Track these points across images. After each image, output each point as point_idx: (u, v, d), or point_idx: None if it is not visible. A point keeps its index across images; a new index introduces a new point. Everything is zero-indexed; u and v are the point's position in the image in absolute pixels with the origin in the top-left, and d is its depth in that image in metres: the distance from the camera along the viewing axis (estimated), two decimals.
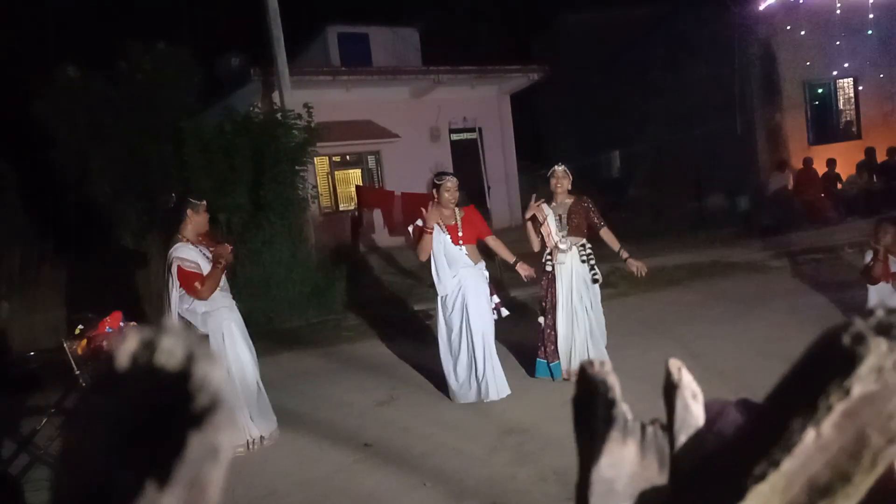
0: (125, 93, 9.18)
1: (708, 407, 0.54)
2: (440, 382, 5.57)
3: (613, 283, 8.62)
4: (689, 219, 12.84)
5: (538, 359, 5.46)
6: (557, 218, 5.33)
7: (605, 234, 5.42)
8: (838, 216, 11.83)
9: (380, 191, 12.69)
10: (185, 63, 9.66)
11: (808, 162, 13.42)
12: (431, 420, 4.79)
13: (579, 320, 5.27)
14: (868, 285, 5.84)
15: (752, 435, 0.46)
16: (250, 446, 4.44)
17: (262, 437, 4.49)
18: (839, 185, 13.23)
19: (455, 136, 14.32)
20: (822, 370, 0.42)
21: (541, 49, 18.74)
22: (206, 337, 4.28)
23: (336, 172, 13.53)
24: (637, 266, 5.41)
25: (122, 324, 3.31)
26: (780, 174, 13.42)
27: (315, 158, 10.50)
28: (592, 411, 0.51)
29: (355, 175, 13.72)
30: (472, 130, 13.77)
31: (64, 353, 3.23)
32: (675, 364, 0.53)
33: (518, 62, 15.00)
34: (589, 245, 5.37)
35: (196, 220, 4.37)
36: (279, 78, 10.15)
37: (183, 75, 9.53)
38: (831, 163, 13.31)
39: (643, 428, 0.52)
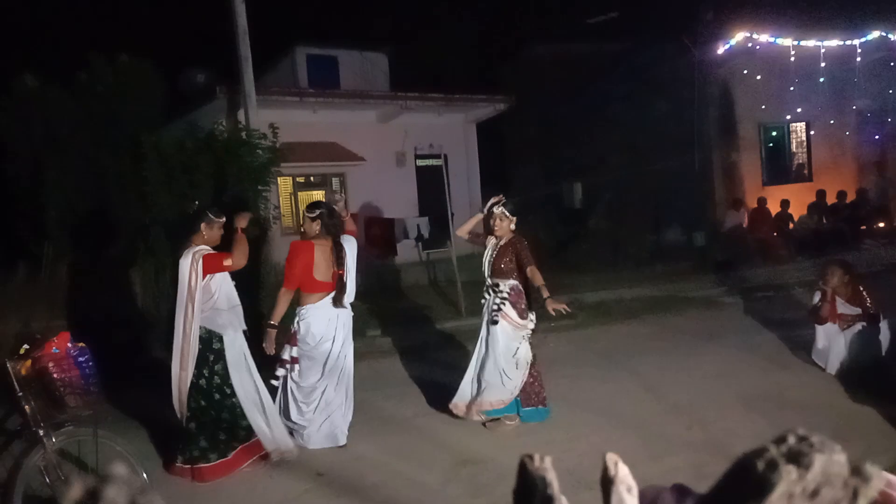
0: (84, 104, 9.00)
1: (643, 494, 0.55)
2: (395, 410, 5.53)
3: (571, 314, 8.71)
4: (647, 252, 13.09)
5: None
6: (490, 256, 5.10)
7: (531, 272, 4.93)
8: (789, 255, 12.20)
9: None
10: (148, 77, 9.54)
11: (761, 201, 13.85)
12: (386, 448, 4.74)
13: (480, 358, 5.03)
14: (815, 325, 6.03)
15: None
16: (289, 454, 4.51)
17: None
18: (791, 225, 13.66)
19: (420, 162, 14.38)
20: (739, 494, 0.45)
21: (507, 79, 19.03)
22: (221, 340, 4.33)
23: (299, 193, 13.42)
24: (556, 307, 4.81)
25: (69, 345, 3.21)
26: (735, 212, 13.81)
27: (279, 178, 10.42)
28: None
29: (319, 197, 13.63)
30: (437, 157, 13.81)
31: (7, 373, 3.11)
32: (611, 458, 0.55)
33: (485, 91, 15.19)
34: (510, 289, 4.97)
35: (209, 235, 4.36)
36: (245, 97, 10.08)
37: (145, 89, 9.40)
38: (785, 203, 13.75)
39: None
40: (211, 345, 4.30)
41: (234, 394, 4.36)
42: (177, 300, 4.29)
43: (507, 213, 5.06)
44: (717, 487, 0.48)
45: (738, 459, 0.48)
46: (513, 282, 4.99)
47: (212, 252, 4.30)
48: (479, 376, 4.98)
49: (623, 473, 0.54)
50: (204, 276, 4.24)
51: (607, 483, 0.54)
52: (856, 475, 0.46)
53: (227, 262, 4.26)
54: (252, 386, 4.45)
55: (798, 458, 0.44)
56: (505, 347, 4.88)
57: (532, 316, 5.04)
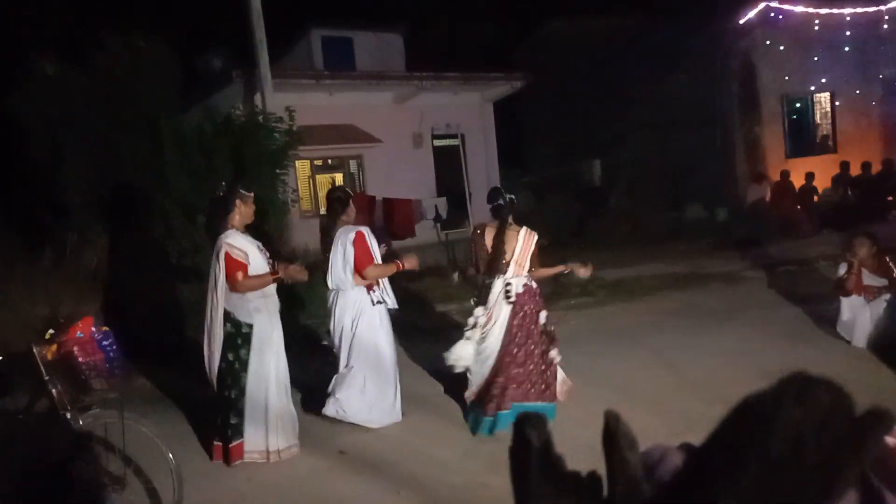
0: (101, 87, 9.06)
1: (649, 454, 0.55)
2: (415, 389, 5.57)
3: (591, 292, 8.68)
4: (668, 229, 12.97)
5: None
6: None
7: None
8: (813, 229, 12.01)
9: (361, 195, 12.67)
10: (165, 60, 9.56)
11: (784, 174, 13.62)
12: (407, 426, 4.79)
13: None
14: (841, 297, 5.95)
15: (681, 489, 0.47)
16: (269, 457, 4.34)
17: (279, 451, 4.38)
18: (815, 198, 13.43)
19: (438, 142, 14.34)
20: (744, 432, 0.44)
21: (524, 57, 18.84)
22: (251, 327, 4.28)
23: (317, 176, 13.47)
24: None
25: (93, 329, 3.26)
26: (758, 186, 13.61)
27: (296, 161, 10.45)
28: (527, 464, 0.51)
29: (337, 179, 13.68)
30: (454, 137, 13.78)
31: (33, 358, 3.18)
32: (612, 414, 0.54)
33: (501, 70, 15.06)
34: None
35: (244, 211, 4.39)
36: (261, 80, 10.10)
37: (161, 72, 9.42)
38: (809, 176, 13.52)
39: (579, 479, 0.52)
40: (241, 329, 4.30)
41: (243, 388, 4.31)
42: (208, 284, 4.35)
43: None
44: (721, 428, 0.48)
45: (741, 400, 0.47)
46: None
47: (236, 254, 4.22)
48: None
49: (624, 429, 0.54)
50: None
51: (609, 440, 0.54)
52: (866, 415, 0.46)
53: (238, 276, 4.19)
54: (265, 382, 4.36)
55: (803, 398, 0.43)
56: None
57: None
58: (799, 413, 0.42)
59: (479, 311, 4.68)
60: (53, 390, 3.22)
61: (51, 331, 3.30)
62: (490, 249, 4.71)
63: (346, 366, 4.81)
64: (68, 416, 3.26)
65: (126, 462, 3.66)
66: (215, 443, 4.41)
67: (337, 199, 4.95)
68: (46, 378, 3.21)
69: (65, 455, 3.37)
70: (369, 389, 4.78)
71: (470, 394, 4.76)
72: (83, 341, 3.22)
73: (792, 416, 0.42)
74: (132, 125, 8.72)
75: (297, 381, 5.60)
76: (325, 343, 5.25)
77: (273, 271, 4.37)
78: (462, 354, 4.71)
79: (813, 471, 0.42)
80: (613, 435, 0.53)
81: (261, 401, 4.32)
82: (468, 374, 4.75)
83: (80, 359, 3.21)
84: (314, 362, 6.15)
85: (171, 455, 3.49)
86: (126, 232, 8.62)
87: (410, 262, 4.90)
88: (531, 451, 0.52)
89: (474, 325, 4.67)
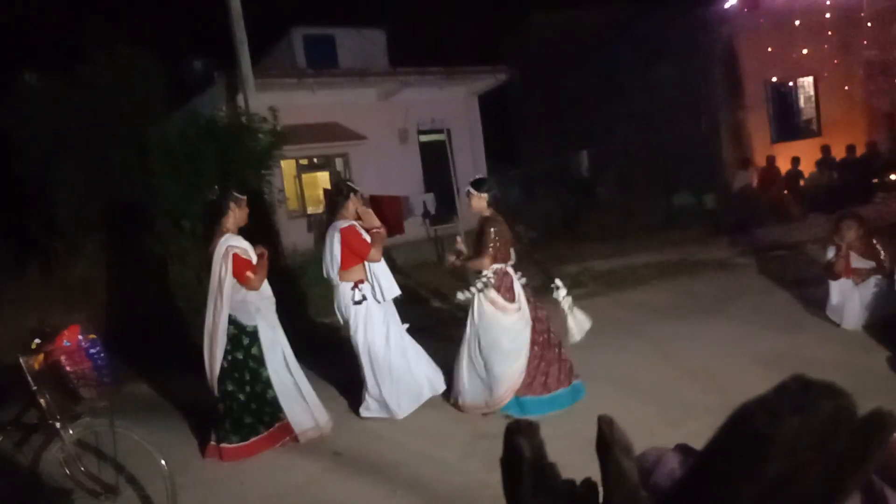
0: (87, 99, 8.97)
1: (645, 456, 0.52)
2: None
3: (583, 283, 8.68)
4: (658, 218, 12.98)
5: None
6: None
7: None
8: (801, 213, 12.07)
9: None
10: (148, 67, 9.46)
11: (770, 160, 13.68)
12: (404, 427, 4.75)
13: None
14: (830, 281, 5.96)
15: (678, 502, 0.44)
16: (322, 431, 4.62)
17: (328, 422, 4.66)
18: (802, 182, 13.50)
19: (424, 138, 14.28)
20: (739, 448, 0.41)
21: (510, 50, 18.80)
22: (255, 328, 4.44)
23: (303, 175, 13.39)
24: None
25: (80, 337, 3.21)
26: (744, 172, 13.66)
27: (282, 161, 10.37)
28: (519, 474, 0.49)
29: (323, 178, 13.60)
30: (440, 132, 13.73)
31: (20, 369, 3.13)
32: (606, 420, 0.51)
33: (487, 63, 15.02)
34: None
35: (238, 214, 4.51)
36: (243, 81, 10.00)
37: (145, 80, 9.33)
38: (795, 160, 13.58)
39: (573, 488, 0.50)
40: (245, 329, 4.42)
41: (267, 379, 4.45)
42: (209, 287, 4.42)
43: (472, 190, 4.79)
44: (715, 442, 0.44)
45: (737, 411, 0.44)
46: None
47: (243, 255, 4.36)
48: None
49: (619, 436, 0.51)
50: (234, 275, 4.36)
51: (603, 446, 0.50)
52: (867, 422, 0.42)
53: (249, 275, 4.35)
54: (286, 371, 4.55)
55: (802, 407, 0.40)
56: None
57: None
58: (797, 424, 0.39)
59: (559, 281, 4.92)
60: (42, 400, 3.17)
61: (37, 340, 3.24)
62: (510, 235, 4.75)
63: (359, 361, 4.90)
64: (58, 425, 3.21)
65: (118, 470, 3.62)
66: (223, 445, 4.45)
67: (337, 192, 5.02)
68: (34, 388, 3.16)
69: (55, 465, 3.32)
70: (382, 384, 4.85)
71: (512, 387, 4.61)
72: (70, 350, 3.17)
73: (789, 430, 0.39)
74: (119, 135, 8.64)
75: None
76: None
77: (260, 255, 4.52)
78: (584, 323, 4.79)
79: (813, 487, 0.39)
80: (608, 441, 0.50)
81: (291, 384, 4.54)
82: (497, 370, 4.62)
83: (67, 368, 3.16)
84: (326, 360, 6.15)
85: (163, 462, 3.44)
86: (113, 239, 8.54)
87: (368, 216, 4.99)
88: (523, 462, 0.49)
89: (568, 294, 4.88)
